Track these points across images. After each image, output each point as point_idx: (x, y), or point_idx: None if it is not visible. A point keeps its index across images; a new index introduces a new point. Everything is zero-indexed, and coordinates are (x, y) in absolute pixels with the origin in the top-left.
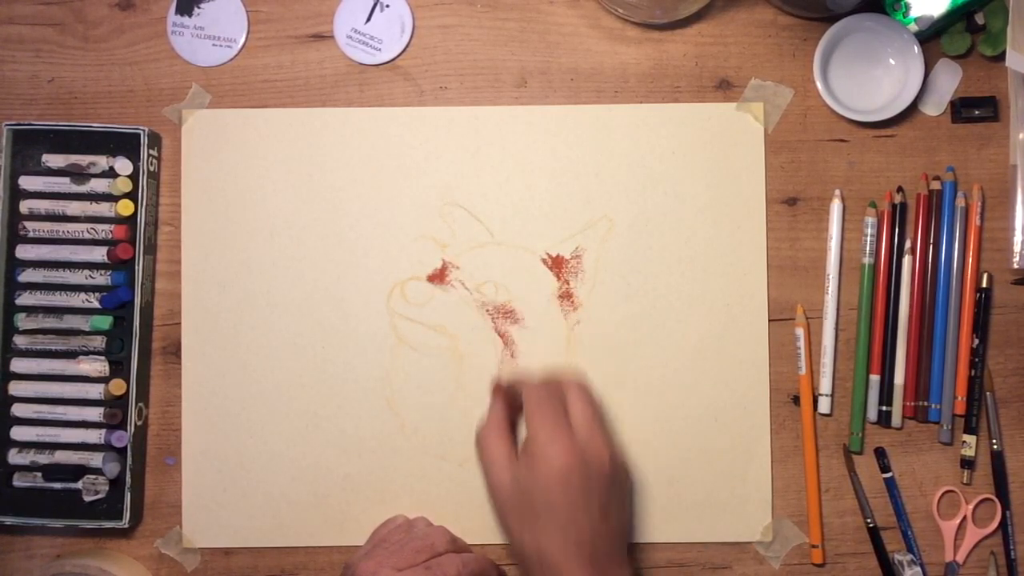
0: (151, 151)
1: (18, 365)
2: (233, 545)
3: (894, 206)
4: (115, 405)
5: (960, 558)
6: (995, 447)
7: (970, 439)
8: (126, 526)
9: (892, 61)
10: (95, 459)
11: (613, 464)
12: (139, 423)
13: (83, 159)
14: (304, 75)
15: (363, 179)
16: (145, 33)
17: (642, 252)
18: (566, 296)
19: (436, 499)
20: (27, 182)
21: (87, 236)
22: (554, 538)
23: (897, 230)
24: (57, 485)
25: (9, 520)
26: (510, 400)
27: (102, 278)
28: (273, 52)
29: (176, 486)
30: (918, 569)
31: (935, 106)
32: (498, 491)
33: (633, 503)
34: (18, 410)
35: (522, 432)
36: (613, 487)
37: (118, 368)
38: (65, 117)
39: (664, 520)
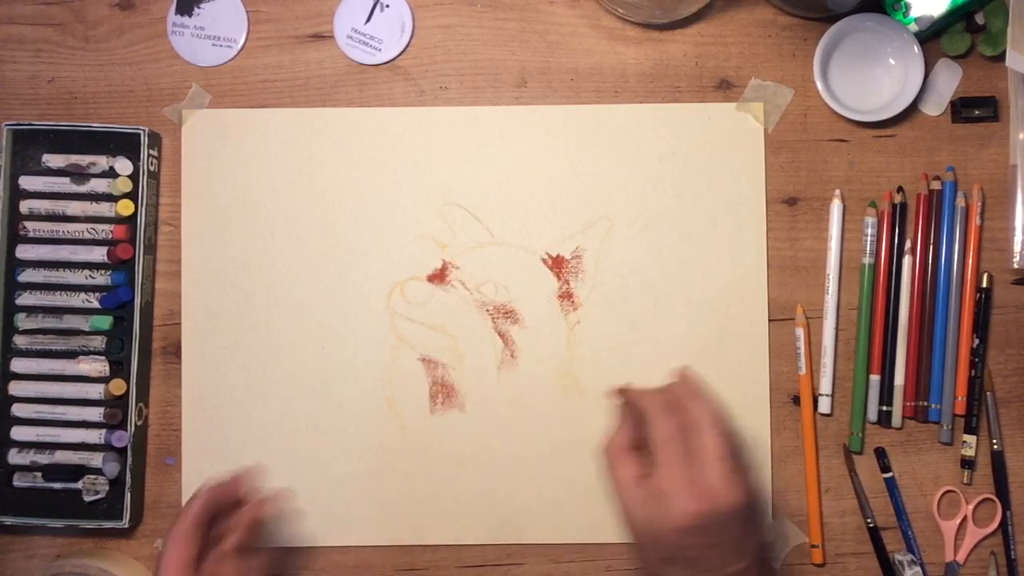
0: (151, 151)
1: (18, 365)
2: None
3: (894, 206)
4: (115, 405)
5: (960, 558)
6: (995, 447)
7: (970, 439)
8: (126, 526)
9: (892, 61)
10: (95, 459)
11: (747, 504)
12: (139, 423)
13: (83, 159)
14: (304, 75)
15: (363, 179)
16: (145, 33)
17: (642, 252)
18: (566, 296)
19: (436, 499)
20: (27, 182)
21: (87, 236)
22: None
23: (897, 230)
24: (57, 485)
25: (9, 520)
26: (636, 415)
27: (102, 278)
28: (273, 52)
29: (176, 486)
30: (918, 569)
31: (935, 106)
32: (630, 519)
33: (766, 533)
34: (18, 410)
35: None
36: (748, 526)
37: (118, 368)
38: (65, 117)
39: None
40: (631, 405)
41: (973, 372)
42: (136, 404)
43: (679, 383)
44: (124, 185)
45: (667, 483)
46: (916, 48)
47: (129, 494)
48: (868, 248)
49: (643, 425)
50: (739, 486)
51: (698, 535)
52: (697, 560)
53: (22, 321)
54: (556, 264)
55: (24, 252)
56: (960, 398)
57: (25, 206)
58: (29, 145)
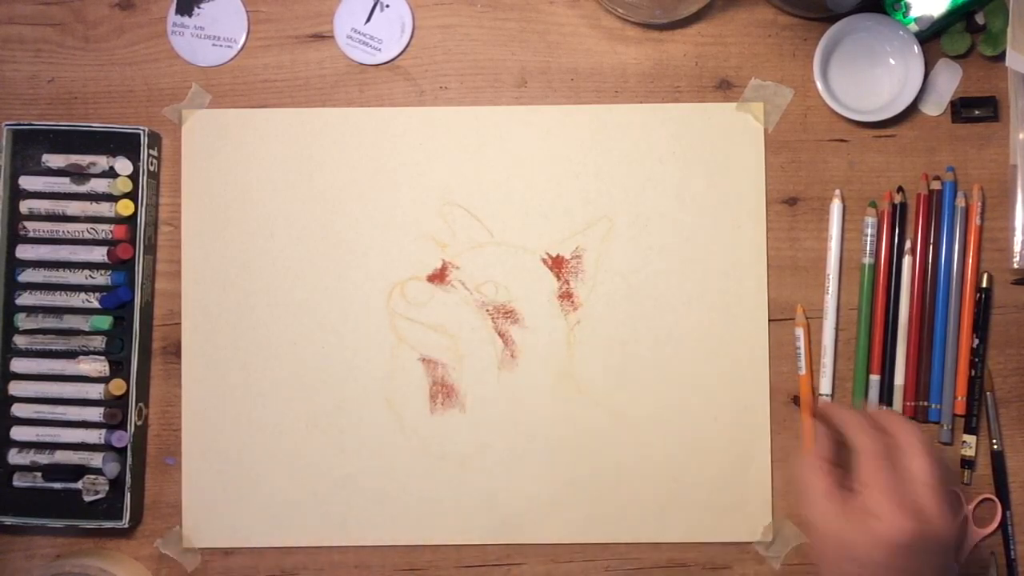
0: (151, 151)
1: (18, 365)
2: (233, 545)
3: (894, 206)
4: (115, 405)
5: (960, 558)
6: (995, 447)
7: (970, 439)
8: (126, 526)
9: (892, 61)
10: (95, 459)
11: (948, 532)
12: (139, 423)
13: (83, 159)
14: (304, 75)
15: (363, 179)
16: (145, 33)
17: (642, 252)
18: (566, 296)
19: (436, 499)
20: (27, 182)
21: (87, 236)
22: None
23: (897, 230)
24: (57, 485)
25: (9, 520)
26: (832, 433)
27: (102, 278)
28: (273, 52)
29: (176, 486)
30: None
31: (935, 106)
32: (821, 532)
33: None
34: (18, 410)
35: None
36: (945, 555)
37: (118, 368)
38: (65, 117)
39: (664, 520)
40: (828, 423)
41: (973, 372)
42: (136, 404)
43: (879, 412)
44: (124, 185)
45: (875, 499)
46: (916, 48)
47: (129, 494)
48: (868, 248)
49: (840, 444)
50: (944, 519)
51: (907, 556)
52: None
53: (22, 321)
54: (556, 264)
55: (24, 252)
56: (960, 398)
57: (25, 206)
58: (29, 145)
